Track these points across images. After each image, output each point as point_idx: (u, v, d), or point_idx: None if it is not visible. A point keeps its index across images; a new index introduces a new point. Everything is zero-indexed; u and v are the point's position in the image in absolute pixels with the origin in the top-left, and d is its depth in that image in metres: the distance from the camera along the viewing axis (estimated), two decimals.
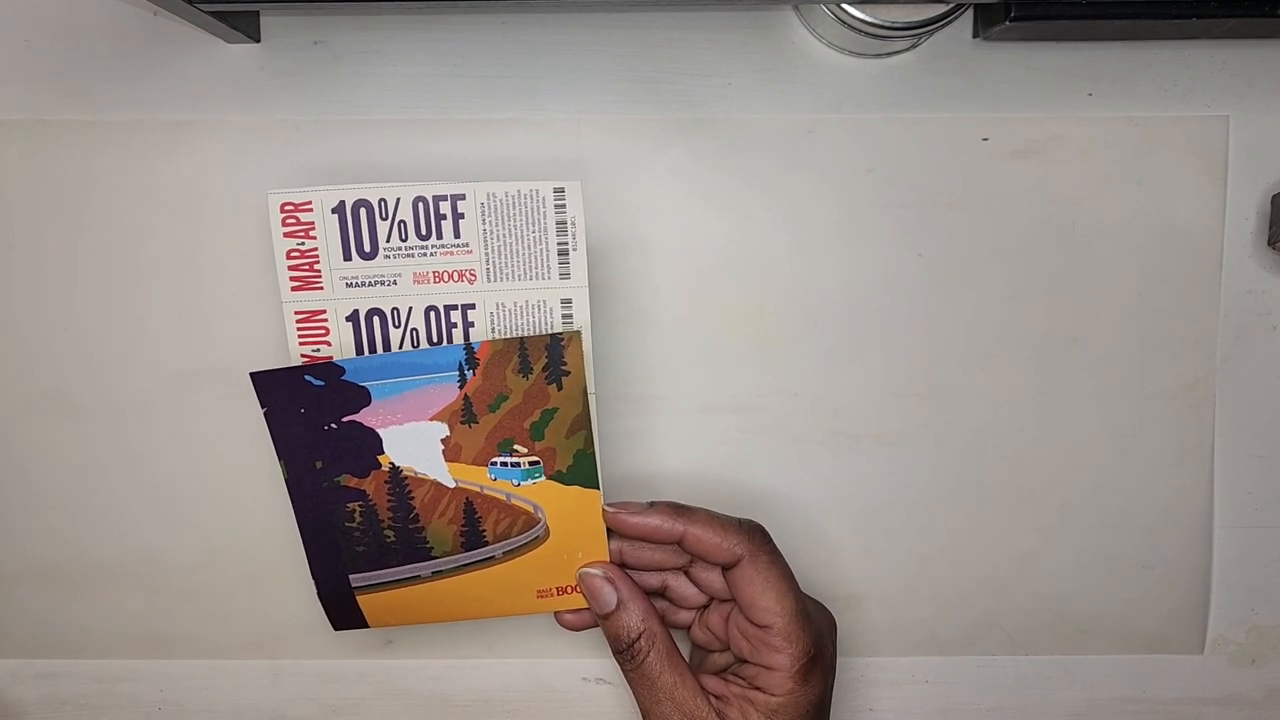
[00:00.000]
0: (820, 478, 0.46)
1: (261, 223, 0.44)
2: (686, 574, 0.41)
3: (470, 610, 0.42)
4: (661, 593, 0.42)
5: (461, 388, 0.39)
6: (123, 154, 0.45)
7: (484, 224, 0.39)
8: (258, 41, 0.44)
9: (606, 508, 0.40)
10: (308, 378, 0.38)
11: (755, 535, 0.39)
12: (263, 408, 0.39)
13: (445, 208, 0.39)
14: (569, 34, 0.44)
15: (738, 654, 0.40)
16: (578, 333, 0.39)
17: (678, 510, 0.39)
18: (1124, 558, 0.46)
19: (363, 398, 0.39)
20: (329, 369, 0.38)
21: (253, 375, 0.38)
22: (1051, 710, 0.47)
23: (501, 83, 0.45)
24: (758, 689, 0.38)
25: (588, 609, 0.41)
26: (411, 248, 0.39)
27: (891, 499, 0.46)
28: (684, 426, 0.46)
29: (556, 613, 0.42)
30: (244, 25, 0.43)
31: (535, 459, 0.39)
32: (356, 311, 0.39)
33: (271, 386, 0.39)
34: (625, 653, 0.39)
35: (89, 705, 0.47)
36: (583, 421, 0.39)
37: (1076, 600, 0.46)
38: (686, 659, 0.44)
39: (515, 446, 0.39)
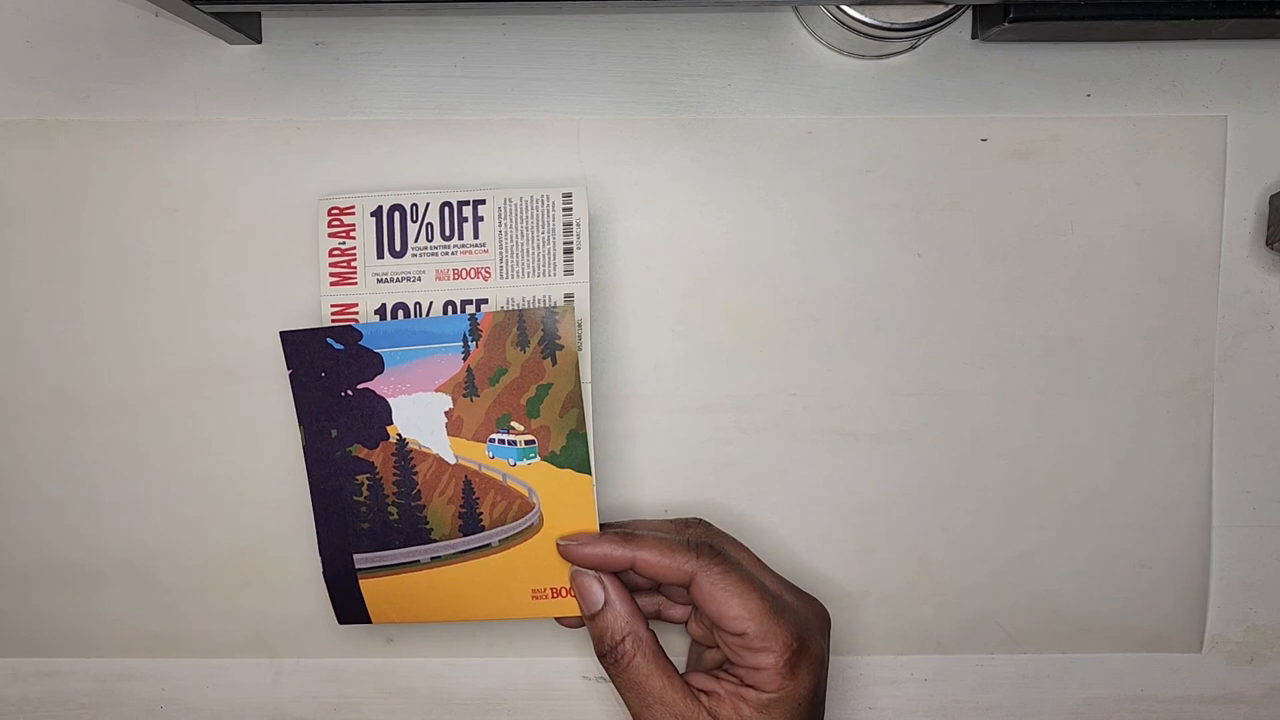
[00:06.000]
0: (820, 478, 0.46)
1: (262, 222, 0.45)
2: (660, 590, 0.42)
3: (467, 610, 0.43)
4: (657, 588, 0.42)
5: (465, 359, 0.41)
6: (124, 154, 0.45)
7: (500, 226, 0.42)
8: (259, 42, 0.44)
9: (559, 541, 0.41)
10: (329, 340, 0.42)
11: (703, 551, 0.39)
12: (289, 369, 0.42)
13: (467, 211, 0.42)
14: (569, 34, 0.45)
15: (726, 657, 0.40)
16: (570, 307, 0.41)
17: (625, 538, 0.39)
18: (1122, 557, 0.46)
19: (377, 364, 0.42)
20: (349, 332, 0.42)
21: (282, 334, 0.42)
22: (1050, 709, 0.47)
23: (502, 83, 0.45)
24: (749, 686, 0.38)
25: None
26: (436, 247, 0.42)
27: (891, 498, 0.46)
28: (684, 426, 0.46)
29: None
30: (245, 26, 0.43)
31: (530, 438, 0.41)
32: (384, 305, 0.43)
33: (298, 347, 0.42)
34: (609, 655, 0.39)
35: (91, 704, 0.47)
36: (575, 399, 0.41)
37: (1075, 599, 0.47)
38: (686, 654, 0.44)
39: (512, 424, 0.41)
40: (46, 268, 0.45)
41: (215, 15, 0.40)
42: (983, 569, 0.46)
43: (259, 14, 0.44)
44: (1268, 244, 0.45)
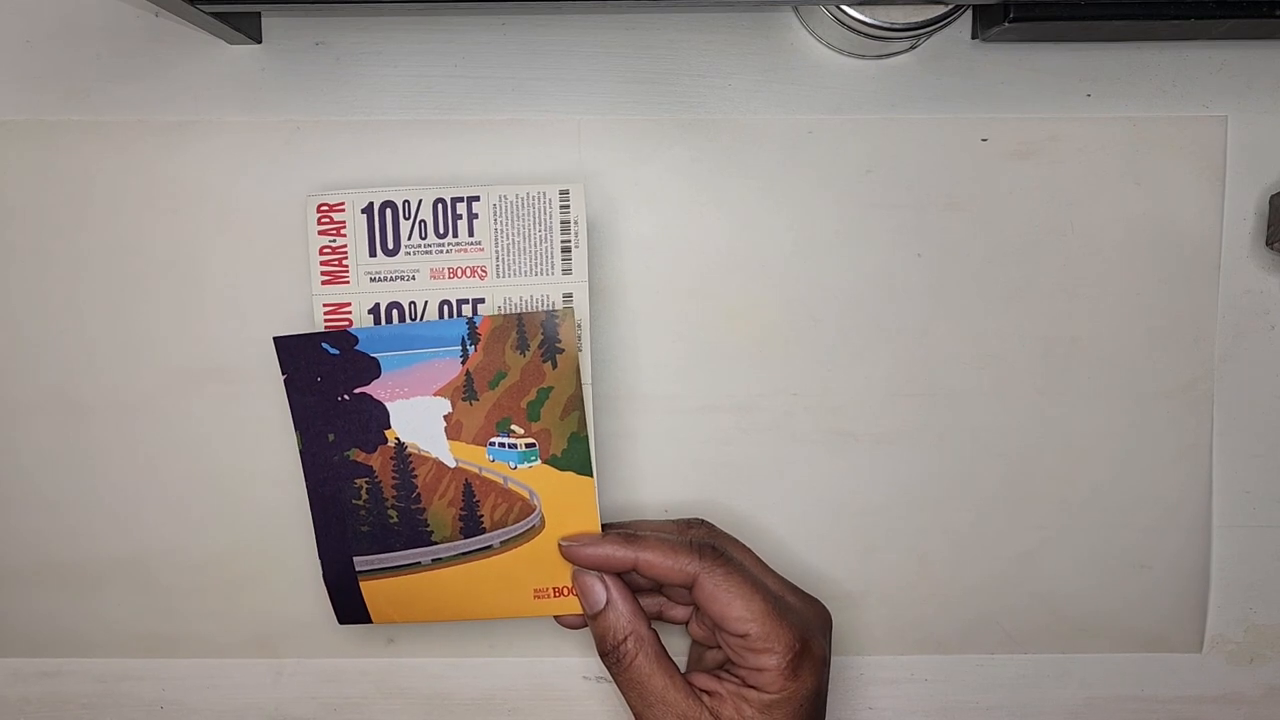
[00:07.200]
0: (820, 478, 0.46)
1: (262, 222, 0.45)
2: (662, 591, 0.42)
3: (469, 609, 0.43)
4: (659, 589, 0.42)
5: (464, 363, 0.41)
6: (123, 154, 0.45)
7: (495, 223, 0.42)
8: (259, 42, 0.44)
9: (561, 542, 0.41)
10: (325, 345, 0.41)
11: (705, 552, 0.39)
12: (283, 374, 0.41)
13: (461, 208, 0.42)
14: (569, 35, 0.45)
15: (728, 657, 0.40)
16: (570, 310, 0.41)
17: (628, 539, 0.39)
18: (1122, 557, 0.46)
19: (373, 369, 0.41)
20: (344, 337, 0.41)
21: (276, 340, 0.41)
22: (1050, 709, 0.47)
23: (502, 83, 0.45)
24: (751, 687, 0.38)
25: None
26: (430, 245, 0.42)
27: (891, 499, 0.46)
28: (684, 426, 0.46)
29: None
30: (245, 26, 0.43)
31: (531, 441, 0.41)
32: (378, 304, 0.42)
33: (292, 353, 0.41)
34: (611, 654, 0.39)
35: (91, 704, 0.47)
36: (576, 402, 0.41)
37: (1075, 599, 0.47)
38: (686, 654, 0.44)
39: (513, 426, 0.41)
40: (46, 268, 0.45)
41: (215, 15, 0.40)
42: (983, 569, 0.46)
43: (259, 14, 0.44)
44: (1268, 244, 0.45)
